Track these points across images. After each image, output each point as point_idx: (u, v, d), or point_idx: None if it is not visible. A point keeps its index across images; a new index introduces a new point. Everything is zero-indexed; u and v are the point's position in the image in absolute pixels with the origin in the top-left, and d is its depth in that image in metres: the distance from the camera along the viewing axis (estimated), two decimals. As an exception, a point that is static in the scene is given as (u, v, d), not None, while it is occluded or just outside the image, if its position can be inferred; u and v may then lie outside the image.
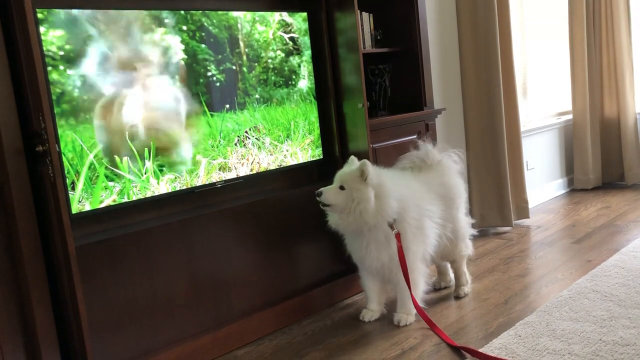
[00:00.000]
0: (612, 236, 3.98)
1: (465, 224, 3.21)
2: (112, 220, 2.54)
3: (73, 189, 2.31)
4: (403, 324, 2.88)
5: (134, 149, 2.47)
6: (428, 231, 2.91)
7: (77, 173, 2.32)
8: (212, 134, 2.77)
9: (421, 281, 2.93)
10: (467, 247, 3.24)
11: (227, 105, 2.84)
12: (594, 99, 5.34)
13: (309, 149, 3.21)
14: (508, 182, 4.28)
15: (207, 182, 2.77)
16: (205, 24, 2.73)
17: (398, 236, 2.78)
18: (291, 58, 3.12)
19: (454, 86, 4.32)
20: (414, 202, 2.86)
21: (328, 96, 3.27)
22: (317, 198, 2.75)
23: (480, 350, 2.51)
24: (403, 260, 2.78)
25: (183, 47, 2.64)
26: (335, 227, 2.84)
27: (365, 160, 2.75)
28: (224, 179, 2.83)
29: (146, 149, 2.52)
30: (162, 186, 2.59)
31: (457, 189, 3.15)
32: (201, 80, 2.72)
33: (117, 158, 2.42)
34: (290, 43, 3.11)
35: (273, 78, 3.04)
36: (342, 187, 2.74)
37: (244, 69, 2.91)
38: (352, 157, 2.87)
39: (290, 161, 3.12)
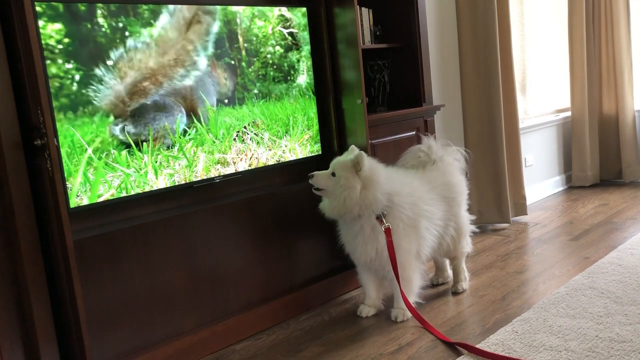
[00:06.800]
0: (610, 233, 3.99)
1: (466, 221, 3.22)
2: (111, 214, 2.54)
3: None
4: (400, 320, 2.89)
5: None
6: (423, 232, 2.91)
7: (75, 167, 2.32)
8: (212, 128, 2.77)
9: (415, 278, 2.93)
10: (468, 244, 3.25)
11: (226, 100, 2.84)
12: (592, 96, 5.34)
13: (307, 144, 3.21)
14: (506, 178, 4.29)
15: (205, 177, 2.77)
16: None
17: (388, 231, 2.79)
18: (290, 53, 3.11)
19: (453, 83, 4.32)
20: (410, 200, 2.87)
21: (327, 92, 3.27)
22: (309, 181, 2.82)
23: (477, 346, 2.52)
24: (393, 256, 2.78)
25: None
26: (322, 211, 2.89)
27: (362, 152, 2.78)
28: (222, 174, 2.83)
29: (145, 143, 2.52)
30: (161, 181, 2.59)
31: (459, 187, 3.16)
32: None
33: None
34: (290, 38, 3.11)
35: (272, 73, 3.03)
36: (333, 174, 2.80)
37: (243, 64, 2.90)
38: (353, 146, 2.92)
39: (289, 156, 3.12)
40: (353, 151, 2.87)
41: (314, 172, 2.84)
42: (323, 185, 2.81)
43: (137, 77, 2.48)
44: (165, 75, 2.58)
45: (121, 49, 2.43)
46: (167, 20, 2.58)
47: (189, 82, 2.66)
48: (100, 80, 2.37)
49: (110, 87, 2.40)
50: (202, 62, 2.71)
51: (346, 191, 2.75)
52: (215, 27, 2.75)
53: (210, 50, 2.74)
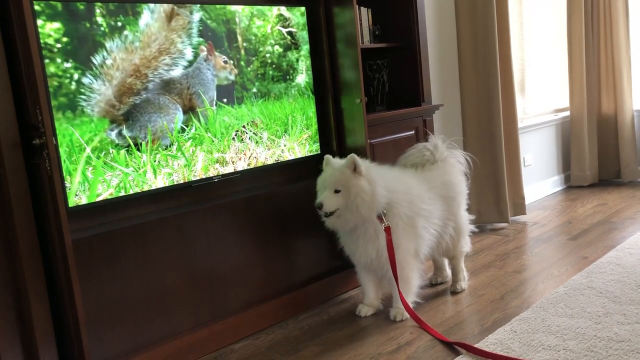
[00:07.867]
0: (608, 233, 3.99)
1: (465, 221, 3.22)
2: (109, 214, 2.54)
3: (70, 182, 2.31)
4: (399, 319, 2.89)
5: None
6: (421, 230, 2.91)
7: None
8: (210, 127, 2.77)
9: (414, 277, 2.93)
10: (467, 244, 3.25)
11: (225, 100, 2.84)
12: (591, 95, 5.34)
13: (306, 144, 3.21)
14: (505, 178, 4.29)
15: (204, 177, 2.76)
16: (203, 17, 2.72)
17: (388, 230, 2.78)
18: (289, 53, 3.11)
19: (452, 82, 4.32)
20: (407, 199, 2.86)
21: (326, 91, 3.27)
22: (318, 210, 2.73)
23: (476, 345, 2.52)
24: (392, 255, 2.78)
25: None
26: (333, 228, 2.84)
27: (353, 154, 2.75)
28: (221, 173, 2.83)
29: (143, 142, 2.52)
30: (159, 180, 2.59)
31: (459, 187, 3.16)
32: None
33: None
34: (289, 37, 3.10)
35: (271, 72, 3.03)
36: (337, 191, 2.73)
37: (242, 63, 2.90)
38: (327, 156, 2.84)
39: (288, 156, 3.12)
40: (329, 161, 2.79)
41: (320, 201, 2.70)
42: (335, 207, 2.71)
43: (125, 77, 2.47)
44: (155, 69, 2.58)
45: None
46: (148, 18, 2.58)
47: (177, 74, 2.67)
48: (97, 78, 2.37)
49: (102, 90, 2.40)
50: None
51: (359, 196, 2.70)
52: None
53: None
